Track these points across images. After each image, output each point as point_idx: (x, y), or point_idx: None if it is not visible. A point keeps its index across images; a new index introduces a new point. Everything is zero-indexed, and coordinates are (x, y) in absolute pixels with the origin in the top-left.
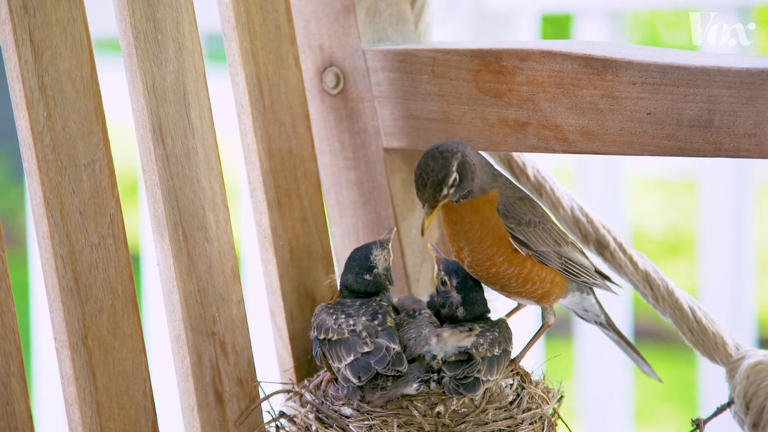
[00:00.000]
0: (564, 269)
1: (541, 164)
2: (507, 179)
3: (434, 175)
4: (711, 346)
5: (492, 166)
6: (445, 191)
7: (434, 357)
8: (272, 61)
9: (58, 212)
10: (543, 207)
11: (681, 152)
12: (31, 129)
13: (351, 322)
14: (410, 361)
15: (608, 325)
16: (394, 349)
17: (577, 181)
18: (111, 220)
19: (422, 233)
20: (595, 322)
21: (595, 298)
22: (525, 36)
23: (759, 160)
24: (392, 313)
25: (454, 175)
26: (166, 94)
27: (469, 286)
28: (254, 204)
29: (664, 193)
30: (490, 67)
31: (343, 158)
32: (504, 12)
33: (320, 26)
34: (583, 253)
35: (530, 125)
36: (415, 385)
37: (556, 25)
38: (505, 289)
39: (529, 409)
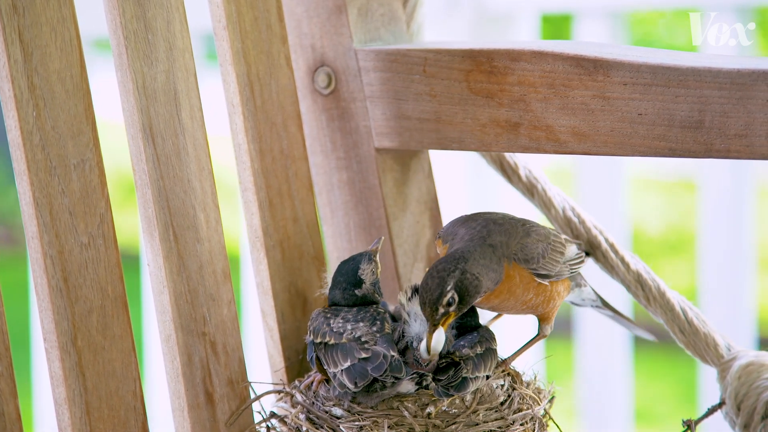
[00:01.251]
0: (570, 273)
1: (535, 164)
2: (510, 228)
3: (429, 294)
4: (702, 346)
5: (501, 236)
6: (441, 310)
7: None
8: (263, 60)
9: (48, 212)
10: (535, 207)
11: (672, 153)
12: (20, 129)
13: (349, 327)
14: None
15: (603, 305)
16: (392, 356)
17: (576, 182)
18: (101, 220)
19: (428, 351)
20: (591, 306)
21: (591, 287)
22: (525, 36)
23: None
24: (389, 320)
25: (450, 294)
26: (156, 94)
27: (465, 312)
28: (245, 204)
29: (664, 193)
30: (482, 67)
31: (334, 158)
32: (504, 12)
33: (312, 26)
34: (568, 241)
35: (522, 126)
36: (408, 384)
37: (556, 25)
38: (530, 313)
39: (520, 410)
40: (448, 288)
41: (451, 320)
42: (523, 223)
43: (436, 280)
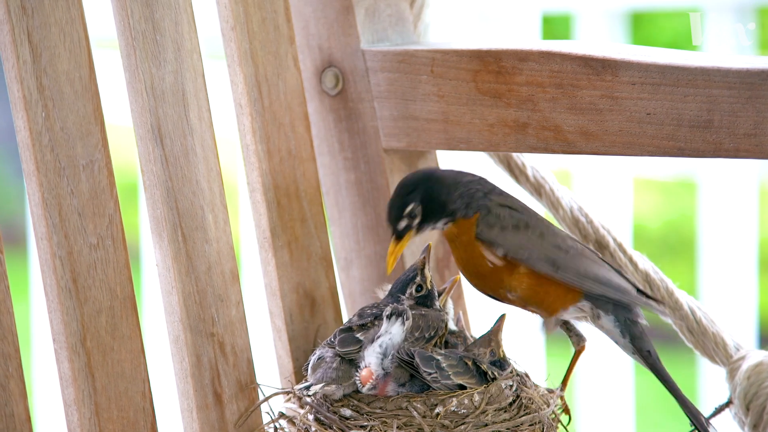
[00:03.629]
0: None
1: (541, 164)
2: (499, 195)
3: (394, 205)
4: (711, 346)
5: (481, 184)
6: (404, 222)
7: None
8: (271, 61)
9: (57, 213)
10: (543, 207)
11: (681, 153)
12: (29, 130)
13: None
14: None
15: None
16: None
17: (577, 182)
18: (110, 221)
19: (387, 270)
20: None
21: (620, 321)
22: (526, 36)
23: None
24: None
25: (412, 205)
26: (164, 95)
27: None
28: (253, 205)
29: (664, 193)
30: (490, 67)
31: (342, 159)
32: (504, 12)
33: (319, 27)
34: (618, 272)
35: (530, 126)
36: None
37: (556, 25)
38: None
39: (528, 411)
40: (412, 198)
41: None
42: (518, 207)
43: (402, 191)
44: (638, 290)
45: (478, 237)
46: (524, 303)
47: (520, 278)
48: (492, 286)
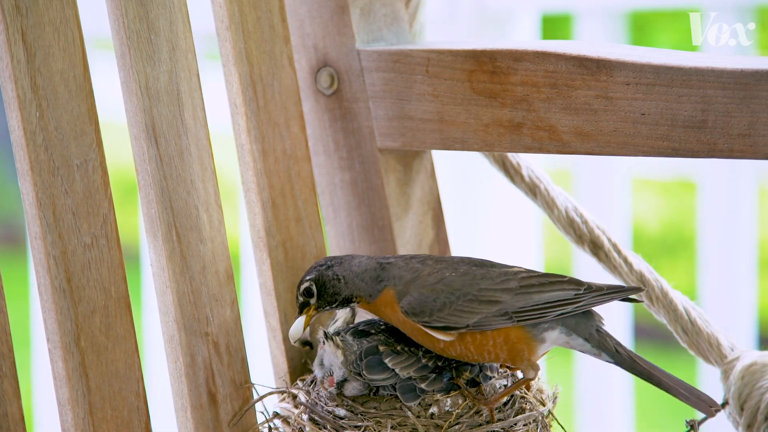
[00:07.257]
0: (520, 320)
1: (536, 165)
2: (409, 267)
3: (299, 281)
4: (705, 347)
5: (384, 266)
6: (300, 299)
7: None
8: (266, 61)
9: (51, 213)
10: (538, 207)
11: (675, 153)
12: (23, 129)
13: None
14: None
15: (618, 363)
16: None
17: (575, 181)
18: (104, 221)
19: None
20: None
21: (586, 338)
22: (525, 36)
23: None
24: None
25: (306, 284)
26: (159, 95)
27: None
28: (248, 204)
29: (663, 193)
30: (485, 67)
31: (337, 158)
32: (504, 12)
33: (314, 26)
34: (552, 283)
35: (524, 126)
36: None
37: (556, 25)
38: (487, 362)
39: (523, 410)
40: (307, 278)
41: (312, 312)
42: (439, 279)
43: (307, 270)
44: (585, 289)
45: (408, 317)
46: (498, 362)
47: (479, 343)
48: (457, 356)
